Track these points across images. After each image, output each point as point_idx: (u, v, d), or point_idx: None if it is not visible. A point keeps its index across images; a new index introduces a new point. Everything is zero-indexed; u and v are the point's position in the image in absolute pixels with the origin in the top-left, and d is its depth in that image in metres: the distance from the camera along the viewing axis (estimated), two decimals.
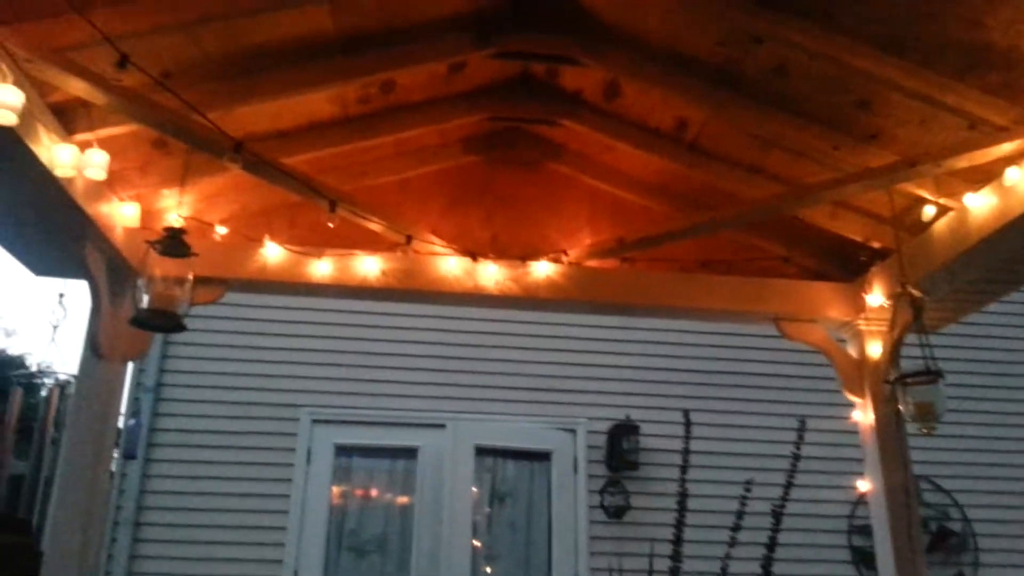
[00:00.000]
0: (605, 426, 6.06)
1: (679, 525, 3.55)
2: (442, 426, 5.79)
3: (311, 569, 5.47)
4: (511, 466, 6.06)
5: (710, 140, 3.38)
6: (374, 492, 5.91)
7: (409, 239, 3.26)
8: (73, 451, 3.15)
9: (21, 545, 2.17)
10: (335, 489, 5.78)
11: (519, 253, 3.49)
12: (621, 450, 5.92)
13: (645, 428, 5.97)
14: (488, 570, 5.70)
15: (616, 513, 5.86)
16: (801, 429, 3.66)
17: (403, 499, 5.88)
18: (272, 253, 3.43)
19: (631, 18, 2.88)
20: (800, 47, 2.66)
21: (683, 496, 3.59)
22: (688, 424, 3.69)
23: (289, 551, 5.48)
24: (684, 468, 3.65)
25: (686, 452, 3.67)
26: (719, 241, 3.72)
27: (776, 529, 3.51)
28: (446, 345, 6.12)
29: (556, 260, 3.49)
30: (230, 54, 2.72)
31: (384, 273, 3.42)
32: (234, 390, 5.86)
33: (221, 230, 3.42)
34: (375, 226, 3.30)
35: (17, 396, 5.70)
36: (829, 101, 2.89)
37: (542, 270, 3.47)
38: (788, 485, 3.55)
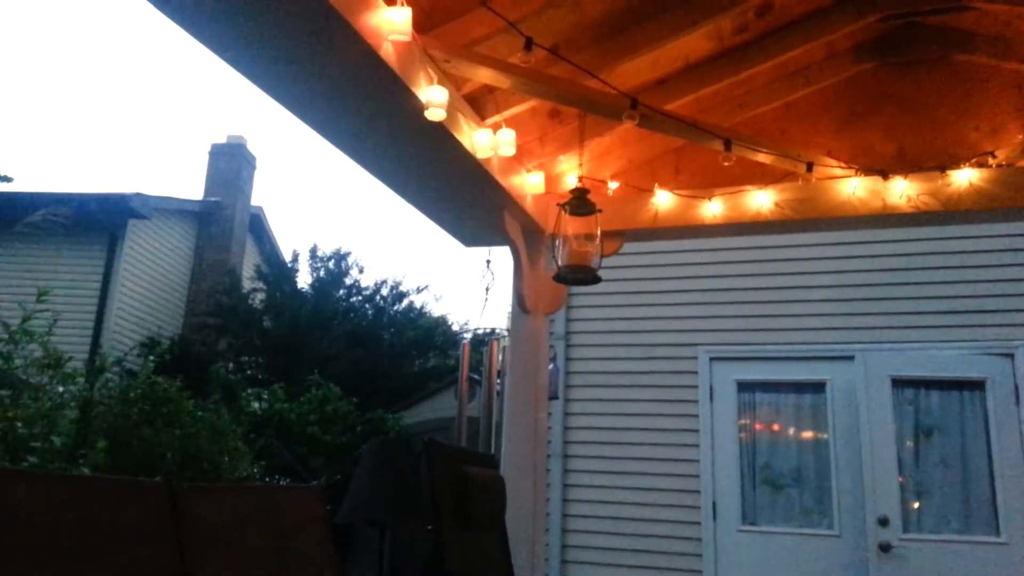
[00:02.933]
0: None
1: None
2: (850, 358, 5.48)
3: (728, 499, 5.61)
4: (935, 397, 5.52)
5: None
6: (783, 427, 5.83)
7: (810, 166, 3.10)
8: (514, 395, 3.62)
9: (498, 477, 2.59)
10: (741, 424, 5.82)
11: (933, 163, 3.13)
12: None
13: None
14: (917, 506, 5.31)
15: None
16: None
17: (815, 434, 5.71)
18: (662, 200, 3.53)
19: None
20: None
21: None
22: None
23: (704, 482, 5.67)
24: None
25: None
26: None
27: None
28: (847, 272, 5.74)
29: (981, 164, 3.05)
30: (609, 14, 2.83)
31: (778, 205, 3.32)
32: (632, 333, 6.18)
33: (613, 185, 3.60)
34: (763, 158, 3.20)
35: (466, 351, 6.71)
36: None
37: (964, 178, 3.07)
38: None
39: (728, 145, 2.93)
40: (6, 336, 5.02)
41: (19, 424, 4.51)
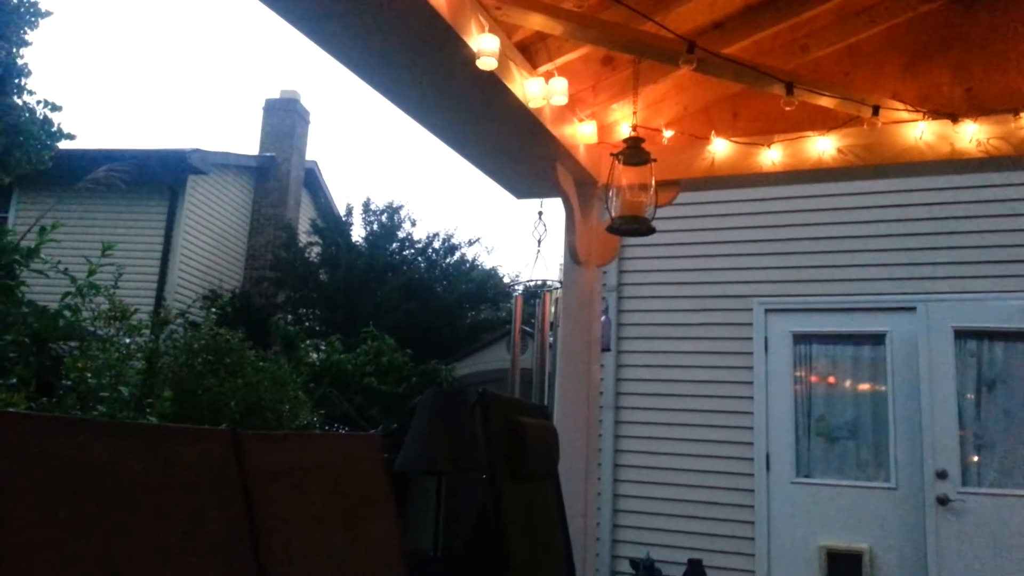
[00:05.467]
0: None
1: None
2: (912, 309, 5.35)
3: (782, 452, 5.58)
4: (999, 349, 5.37)
5: None
6: (839, 379, 5.74)
7: (876, 110, 2.98)
8: (567, 347, 3.62)
9: (551, 428, 2.61)
10: (797, 376, 5.74)
11: (1005, 105, 2.98)
12: None
13: None
14: (976, 460, 5.20)
15: None
16: None
17: (872, 386, 5.62)
18: (719, 148, 3.44)
19: None
20: None
21: None
22: None
23: (758, 434, 5.64)
24: None
25: None
26: None
27: None
28: (909, 220, 5.56)
29: None
30: None
31: (841, 151, 3.21)
32: (686, 284, 6.12)
33: (667, 133, 3.52)
34: (826, 102, 3.09)
35: (518, 303, 6.72)
36: None
37: None
38: None
39: (790, 89, 2.83)
40: (73, 289, 5.20)
41: (89, 375, 4.70)
